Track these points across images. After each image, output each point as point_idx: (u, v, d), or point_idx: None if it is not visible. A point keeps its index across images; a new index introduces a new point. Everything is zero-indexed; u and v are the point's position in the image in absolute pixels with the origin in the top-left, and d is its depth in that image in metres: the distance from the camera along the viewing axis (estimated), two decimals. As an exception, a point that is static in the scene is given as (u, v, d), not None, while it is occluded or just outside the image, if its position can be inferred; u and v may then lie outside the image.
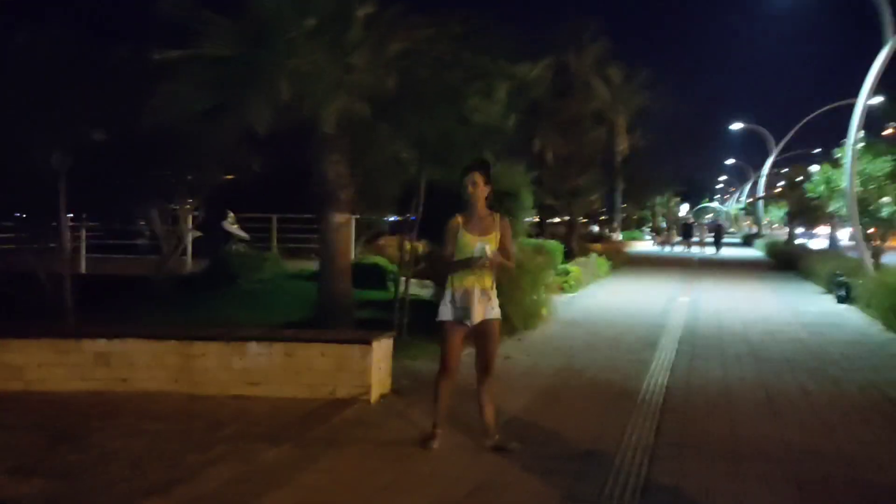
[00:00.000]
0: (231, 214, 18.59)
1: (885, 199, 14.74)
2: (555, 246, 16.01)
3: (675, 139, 46.56)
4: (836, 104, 30.05)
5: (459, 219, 4.96)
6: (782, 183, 31.95)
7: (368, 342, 5.92)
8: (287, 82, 7.82)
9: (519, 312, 9.83)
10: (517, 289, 9.82)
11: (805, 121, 33.13)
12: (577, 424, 5.69)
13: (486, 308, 4.88)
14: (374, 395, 6.03)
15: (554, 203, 28.81)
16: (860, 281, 13.56)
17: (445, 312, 4.91)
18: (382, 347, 6.14)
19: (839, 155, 16.12)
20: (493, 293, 4.96)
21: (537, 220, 40.90)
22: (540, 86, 23.52)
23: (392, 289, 12.97)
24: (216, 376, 6.07)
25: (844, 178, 14.94)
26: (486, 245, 4.77)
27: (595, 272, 18.41)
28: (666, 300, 14.36)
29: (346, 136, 8.73)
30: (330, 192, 8.73)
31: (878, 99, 15.28)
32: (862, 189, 14.95)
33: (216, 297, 11.05)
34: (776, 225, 36.14)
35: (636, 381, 7.12)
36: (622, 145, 39.86)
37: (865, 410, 6.19)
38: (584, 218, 33.60)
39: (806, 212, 25.43)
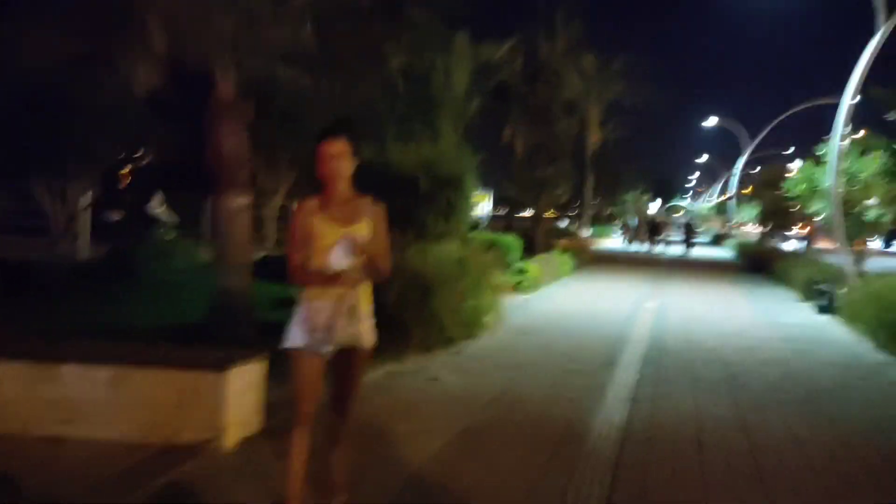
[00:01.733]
0: (158, 197, 16.85)
1: (871, 201, 13.51)
2: (510, 241, 14.56)
3: (649, 134, 45.56)
4: (814, 102, 29.01)
5: (312, 202, 3.46)
6: (757, 181, 30.91)
7: (222, 368, 4.36)
8: (162, 29, 6.23)
9: (456, 320, 8.35)
10: (454, 293, 8.33)
11: (781, 118, 32.08)
12: (499, 485, 4.21)
13: (353, 329, 3.38)
14: (232, 439, 4.48)
15: (519, 195, 27.41)
16: (843, 290, 12.31)
17: (296, 336, 3.40)
18: (246, 375, 4.57)
19: (822, 152, 14.86)
20: (366, 309, 3.47)
21: (504, 212, 39.58)
22: (507, 68, 22.03)
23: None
24: (17, 409, 4.47)
25: (828, 177, 13.69)
26: (347, 240, 3.28)
27: (556, 271, 17.00)
28: (631, 305, 12.98)
29: (245, 102, 7.15)
30: (225, 169, 7.15)
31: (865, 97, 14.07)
32: (846, 189, 13.70)
33: (105, 291, 9.40)
34: (748, 225, 35.14)
35: (587, 418, 5.66)
36: (594, 137, 38.59)
37: (877, 471, 4.79)
38: (552, 212, 32.22)
39: (780, 212, 24.31)
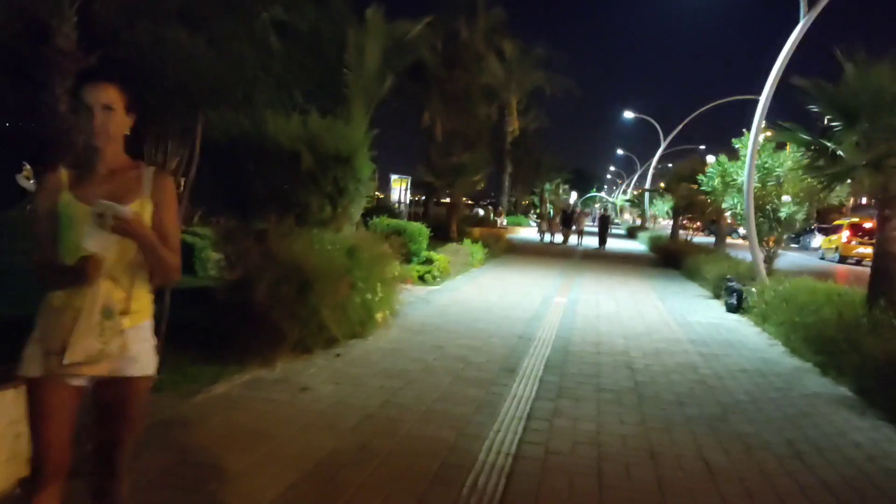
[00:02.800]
0: (27, 167, 15.12)
1: (785, 198, 13.24)
2: (417, 229, 13.64)
3: (569, 125, 45.60)
4: (732, 98, 29.27)
5: (58, 176, 2.45)
6: (672, 175, 31.01)
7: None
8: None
9: (341, 317, 7.37)
10: (339, 286, 7.34)
11: (698, 112, 32.33)
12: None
13: (112, 348, 2.40)
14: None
15: (434, 181, 26.55)
16: (753, 289, 11.98)
17: (32, 360, 2.40)
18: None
19: (738, 146, 14.56)
20: (140, 320, 2.50)
21: (420, 198, 38.63)
22: (425, 49, 21.04)
23: (201, 273, 10.24)
24: None
25: (743, 172, 13.36)
26: (101, 213, 2.29)
27: (467, 261, 16.22)
28: (541, 300, 12.30)
29: (88, 55, 5.95)
30: (63, 135, 5.95)
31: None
32: (760, 185, 13.40)
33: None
34: (662, 219, 35.40)
35: (473, 444, 4.80)
36: (513, 125, 38.15)
37: (799, 512, 4.12)
38: (469, 200, 31.51)
39: (693, 207, 24.28)
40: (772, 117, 12.26)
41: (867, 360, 6.93)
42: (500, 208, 37.09)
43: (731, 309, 12.43)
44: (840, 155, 8.59)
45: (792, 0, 11.71)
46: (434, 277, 13.19)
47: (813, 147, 9.00)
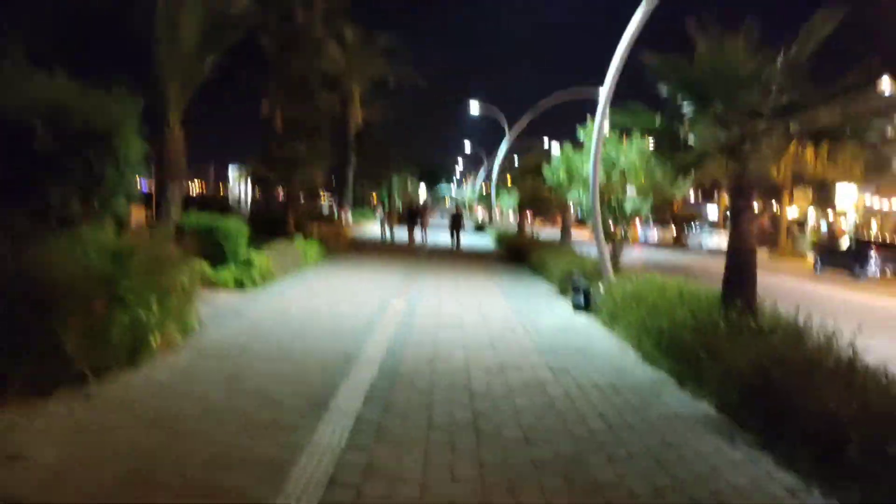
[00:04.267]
0: None
1: (630, 190, 12.68)
2: (233, 226, 11.81)
3: (416, 117, 44.76)
4: (577, 88, 29.24)
5: None
6: (517, 169, 30.69)
7: None
8: None
9: (97, 344, 5.60)
10: (95, 303, 5.57)
11: (544, 105, 32.20)
12: None
13: None
14: None
15: (268, 175, 24.49)
16: (600, 287, 11.24)
17: None
18: None
19: (583, 135, 13.90)
20: None
21: (258, 192, 36.15)
22: (250, 26, 18.99)
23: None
24: None
25: (587, 163, 12.64)
26: None
27: (297, 261, 14.56)
28: (376, 305, 10.91)
29: None
30: None
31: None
32: (605, 178, 12.77)
33: None
34: (509, 213, 35.21)
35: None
36: (356, 116, 36.55)
37: None
38: (309, 194, 29.54)
39: (538, 201, 23.90)
40: (619, 104, 11.56)
41: (727, 371, 6.11)
42: (345, 203, 35.38)
43: (578, 308, 11.67)
44: (691, 142, 7.83)
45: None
46: (254, 282, 11.46)
47: (662, 133, 8.21)
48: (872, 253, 25.55)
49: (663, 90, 7.98)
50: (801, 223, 44.38)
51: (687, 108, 7.75)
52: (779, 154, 7.66)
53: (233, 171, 36.08)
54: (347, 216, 33.54)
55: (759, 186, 7.80)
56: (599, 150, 11.76)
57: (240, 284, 11.30)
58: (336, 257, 18.68)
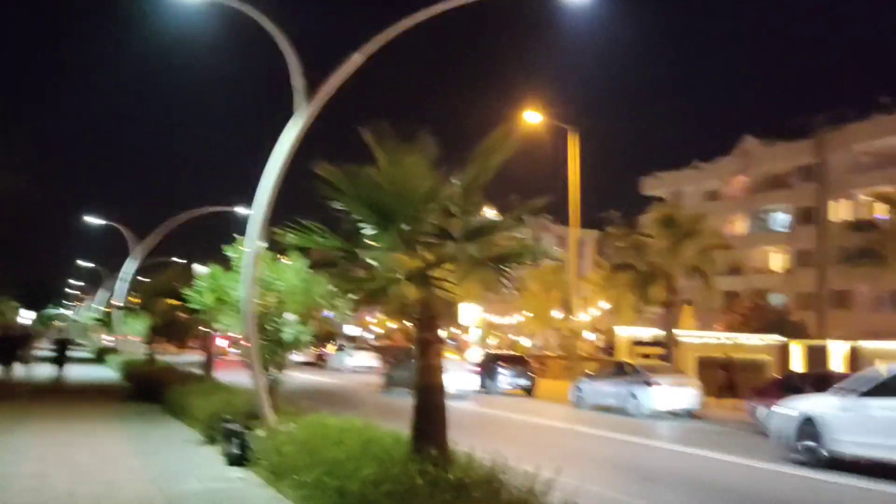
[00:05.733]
0: None
1: (289, 316, 11.28)
2: None
3: (18, 230, 38.30)
4: (222, 208, 27.43)
5: None
6: (149, 288, 27.28)
7: None
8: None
9: None
10: None
11: (178, 220, 29.62)
12: None
13: None
14: None
15: None
16: (259, 432, 9.46)
17: None
18: None
19: (231, 254, 12.25)
20: None
21: None
22: None
23: None
24: None
25: (240, 286, 10.98)
26: None
27: None
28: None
29: None
30: None
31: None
32: (259, 302, 11.21)
33: None
34: (136, 338, 31.04)
35: None
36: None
37: None
38: None
39: (175, 325, 21.14)
40: (279, 222, 10.29)
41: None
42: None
43: (234, 461, 9.67)
44: (375, 266, 6.82)
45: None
46: None
47: (341, 255, 7.06)
48: (500, 367, 27.34)
49: (338, 205, 6.92)
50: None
51: (369, 228, 6.76)
52: (463, 280, 7.04)
53: None
54: None
55: (447, 315, 7.05)
56: (254, 272, 10.28)
57: None
58: None
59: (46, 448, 10.57)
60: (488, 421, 17.78)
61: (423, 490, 5.89)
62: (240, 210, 26.10)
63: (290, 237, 7.04)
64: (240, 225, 12.28)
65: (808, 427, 11.92)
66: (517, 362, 28.35)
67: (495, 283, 7.08)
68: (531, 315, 50.19)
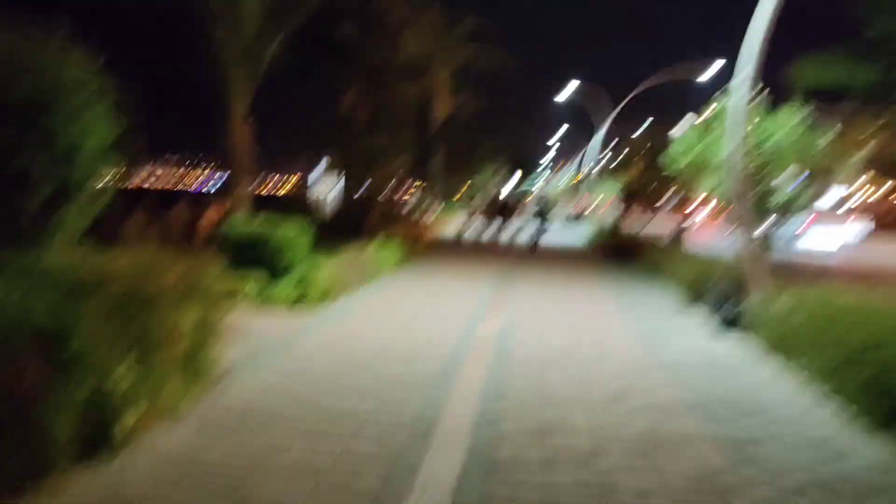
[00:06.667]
0: None
1: (784, 175, 9.89)
2: (290, 234, 9.76)
3: (505, 104, 42.15)
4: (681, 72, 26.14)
5: None
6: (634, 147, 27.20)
7: None
8: None
9: (31, 438, 3.57)
10: (18, 381, 3.54)
11: (648, 83, 29.14)
12: None
13: None
14: None
15: (349, 169, 22.71)
16: (756, 299, 8.58)
17: None
18: None
19: (712, 111, 11.18)
20: None
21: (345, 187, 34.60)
22: (311, 3, 17.00)
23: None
24: None
25: (725, 146, 9.91)
26: None
27: (370, 270, 12.48)
28: (461, 331, 8.65)
29: None
30: None
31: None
32: (751, 162, 10.00)
33: None
34: (607, 203, 32.07)
35: None
36: (443, 106, 34.43)
37: None
38: (392, 189, 27.35)
39: (651, 189, 20.98)
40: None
41: None
42: (430, 199, 33.33)
43: (726, 326, 9.02)
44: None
45: None
46: (314, 300, 9.42)
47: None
48: None
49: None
50: None
51: None
52: None
53: (316, 170, 34.65)
54: (431, 213, 31.46)
55: None
56: (743, 125, 9.09)
57: (300, 300, 9.31)
58: (416, 262, 16.54)
59: (542, 299, 11.41)
60: None
61: None
62: (717, 66, 24.07)
63: (809, 71, 5.74)
64: (708, 91, 11.02)
65: None
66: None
67: None
68: None
